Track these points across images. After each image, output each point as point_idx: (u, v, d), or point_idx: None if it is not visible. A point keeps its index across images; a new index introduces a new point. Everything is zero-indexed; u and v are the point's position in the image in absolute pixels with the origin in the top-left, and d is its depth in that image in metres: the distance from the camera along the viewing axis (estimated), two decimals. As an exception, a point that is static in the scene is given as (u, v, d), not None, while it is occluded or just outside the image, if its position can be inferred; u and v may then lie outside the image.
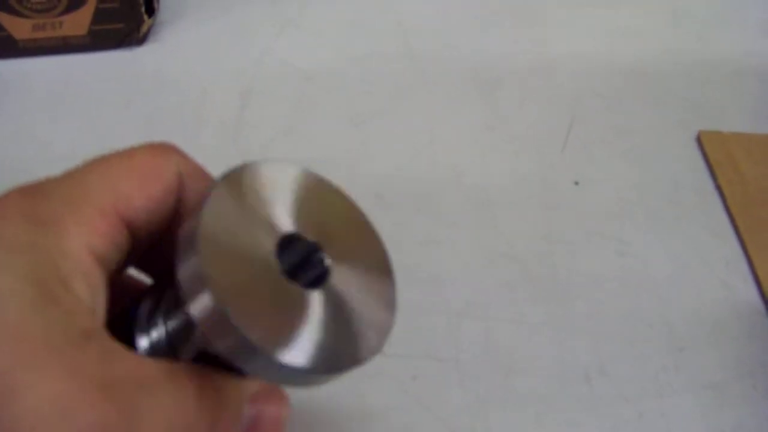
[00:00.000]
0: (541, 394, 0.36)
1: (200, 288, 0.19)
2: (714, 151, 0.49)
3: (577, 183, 0.47)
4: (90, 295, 0.19)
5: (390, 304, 0.23)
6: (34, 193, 0.20)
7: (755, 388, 0.38)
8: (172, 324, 0.22)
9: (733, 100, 0.52)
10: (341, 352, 0.20)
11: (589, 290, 0.41)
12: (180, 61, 0.54)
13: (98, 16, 0.53)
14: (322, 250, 0.22)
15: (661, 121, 0.51)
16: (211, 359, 0.21)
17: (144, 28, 0.54)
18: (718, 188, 0.47)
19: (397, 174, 0.46)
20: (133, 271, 0.26)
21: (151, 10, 0.55)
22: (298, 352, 0.19)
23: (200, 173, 0.24)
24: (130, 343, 0.22)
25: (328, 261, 0.22)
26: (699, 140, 0.50)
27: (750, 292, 0.42)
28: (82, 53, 0.54)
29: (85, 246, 0.20)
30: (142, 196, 0.22)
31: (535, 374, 0.37)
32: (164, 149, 0.24)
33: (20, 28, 0.52)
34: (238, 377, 0.21)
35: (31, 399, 0.17)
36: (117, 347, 0.19)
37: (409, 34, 0.55)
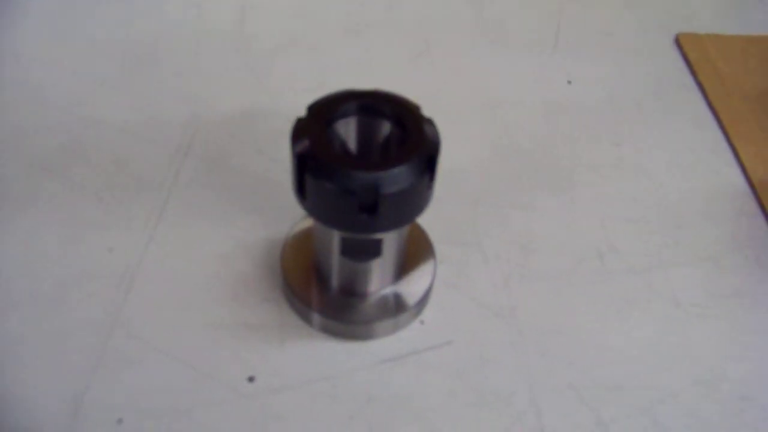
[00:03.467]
0: (560, 270, 0.39)
1: None
2: (692, 51, 0.52)
3: (569, 82, 0.49)
4: None
5: None
6: None
7: (747, 258, 0.41)
8: None
9: (707, 3, 0.55)
10: None
11: (591, 177, 0.43)
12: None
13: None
14: None
15: (640, 23, 0.53)
16: None
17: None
18: (699, 85, 0.50)
19: (399, 81, 0.47)
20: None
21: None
22: None
23: None
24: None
25: None
26: (678, 42, 0.53)
27: (735, 176, 0.45)
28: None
29: None
30: None
31: (551, 253, 0.39)
32: None
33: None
34: None
35: None
36: None
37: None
